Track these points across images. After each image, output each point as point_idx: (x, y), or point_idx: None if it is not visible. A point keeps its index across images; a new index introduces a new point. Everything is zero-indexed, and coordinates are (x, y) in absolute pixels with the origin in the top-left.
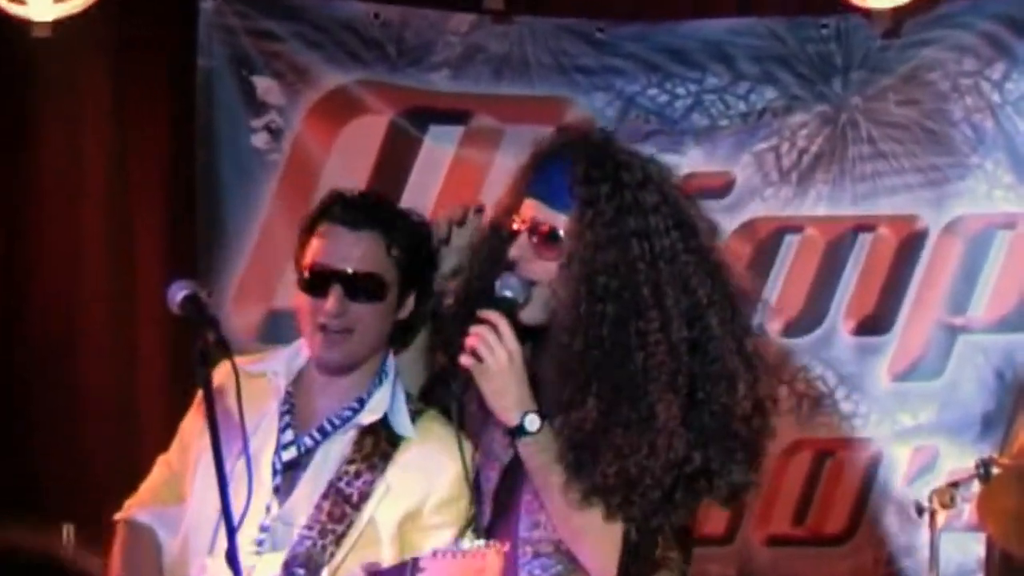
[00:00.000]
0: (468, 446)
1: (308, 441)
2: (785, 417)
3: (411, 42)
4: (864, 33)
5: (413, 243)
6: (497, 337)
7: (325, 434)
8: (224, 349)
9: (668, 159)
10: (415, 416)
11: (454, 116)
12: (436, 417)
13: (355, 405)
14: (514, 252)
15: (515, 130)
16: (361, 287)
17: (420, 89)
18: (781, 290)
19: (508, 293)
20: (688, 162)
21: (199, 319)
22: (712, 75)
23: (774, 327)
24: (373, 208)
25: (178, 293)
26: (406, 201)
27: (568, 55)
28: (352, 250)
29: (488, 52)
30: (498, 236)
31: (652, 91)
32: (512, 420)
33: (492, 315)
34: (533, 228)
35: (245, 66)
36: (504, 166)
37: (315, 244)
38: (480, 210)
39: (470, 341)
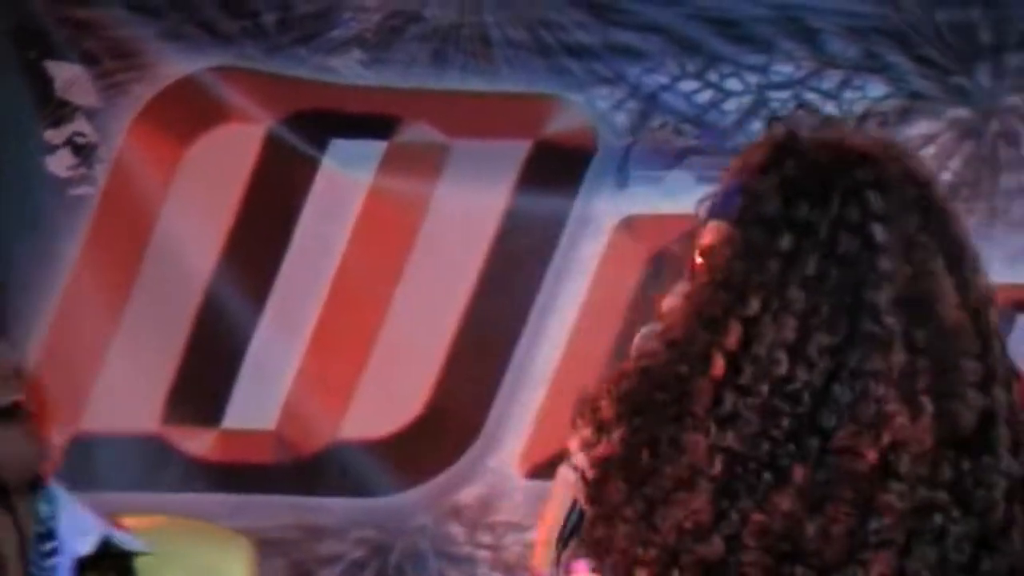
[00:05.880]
0: None
1: None
2: None
3: (301, 7)
4: None
5: None
6: None
7: None
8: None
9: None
10: None
11: (371, 125)
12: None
13: None
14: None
15: (467, 147)
16: None
17: (316, 81)
18: None
19: None
20: None
21: None
22: (784, 58)
23: None
24: None
25: None
26: (289, 274)
27: (553, 27)
28: None
29: (425, 23)
30: None
31: (688, 84)
32: None
33: None
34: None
35: (35, 44)
36: (451, 204)
37: None
38: None
39: None
